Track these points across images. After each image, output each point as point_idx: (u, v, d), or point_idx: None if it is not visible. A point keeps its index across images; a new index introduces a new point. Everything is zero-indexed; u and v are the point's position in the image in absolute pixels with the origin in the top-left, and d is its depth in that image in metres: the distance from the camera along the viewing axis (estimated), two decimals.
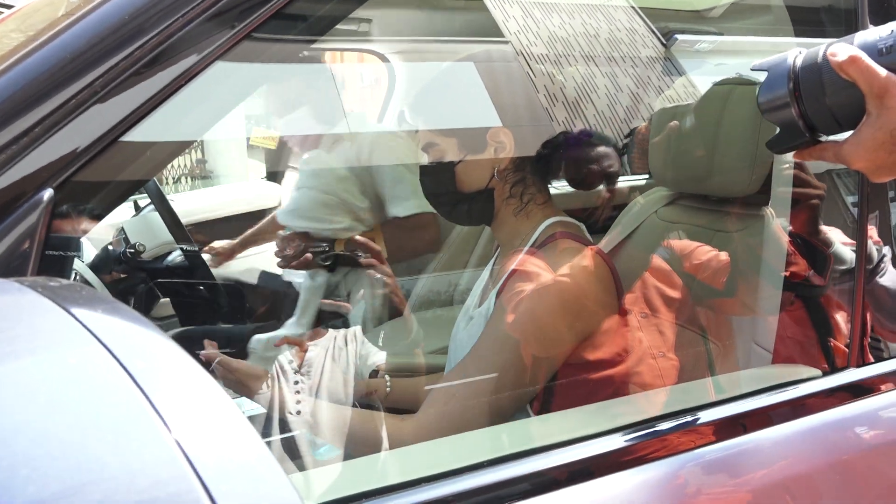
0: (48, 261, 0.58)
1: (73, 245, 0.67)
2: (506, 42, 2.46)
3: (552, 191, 1.32)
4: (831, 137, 0.91)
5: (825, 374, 1.03)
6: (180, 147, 0.81)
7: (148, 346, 0.35)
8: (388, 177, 1.93)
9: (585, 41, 2.66)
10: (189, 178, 4.89)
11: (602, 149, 1.32)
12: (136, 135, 0.69)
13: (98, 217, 0.69)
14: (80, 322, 0.34)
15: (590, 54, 2.66)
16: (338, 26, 0.95)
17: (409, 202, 1.91)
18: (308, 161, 2.00)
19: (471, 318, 1.30)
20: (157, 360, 0.34)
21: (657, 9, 2.79)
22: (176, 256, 1.88)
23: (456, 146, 1.30)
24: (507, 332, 1.14)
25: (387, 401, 1.45)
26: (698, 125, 1.41)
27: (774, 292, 1.22)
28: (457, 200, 1.31)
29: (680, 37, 2.73)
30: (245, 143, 4.92)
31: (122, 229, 1.86)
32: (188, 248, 1.80)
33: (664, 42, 2.73)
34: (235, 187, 3.62)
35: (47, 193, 0.59)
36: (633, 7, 2.77)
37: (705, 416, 0.89)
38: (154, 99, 0.69)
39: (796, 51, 0.90)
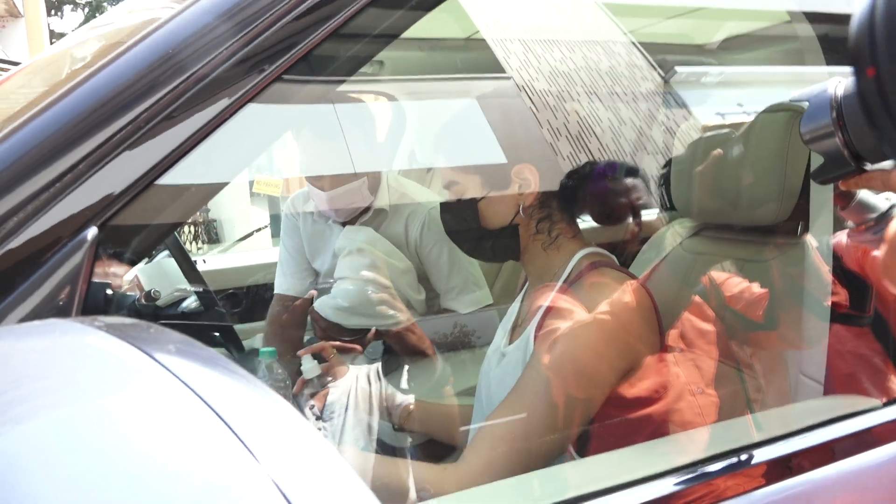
0: (92, 301, 0.56)
1: (115, 286, 0.65)
2: (508, 78, 2.49)
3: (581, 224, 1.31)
4: (878, 166, 0.89)
5: (886, 404, 0.99)
6: (214, 189, 0.80)
7: (227, 383, 0.33)
8: (445, 266, 1.86)
9: (587, 75, 2.69)
10: (192, 226, 4.91)
11: (630, 181, 1.31)
12: (171, 178, 0.68)
13: (136, 260, 0.68)
14: (160, 363, 0.32)
15: (592, 88, 2.69)
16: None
17: (467, 296, 1.86)
18: (352, 247, 1.82)
19: (503, 356, 1.27)
20: (237, 395, 0.32)
21: (657, 43, 2.82)
22: (191, 302, 1.86)
23: (479, 183, 1.30)
24: (549, 371, 1.10)
25: (407, 422, 1.41)
26: (728, 154, 1.40)
27: (819, 322, 1.19)
28: (480, 237, 1.30)
29: (679, 69, 2.76)
30: (248, 190, 4.94)
31: (136, 276, 1.84)
32: (203, 294, 1.77)
33: (663, 75, 2.76)
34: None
35: (91, 232, 0.58)
36: (632, 42, 2.80)
37: (758, 456, 0.85)
38: (190, 141, 0.69)
39: (836, 80, 0.90)
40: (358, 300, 1.72)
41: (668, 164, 1.62)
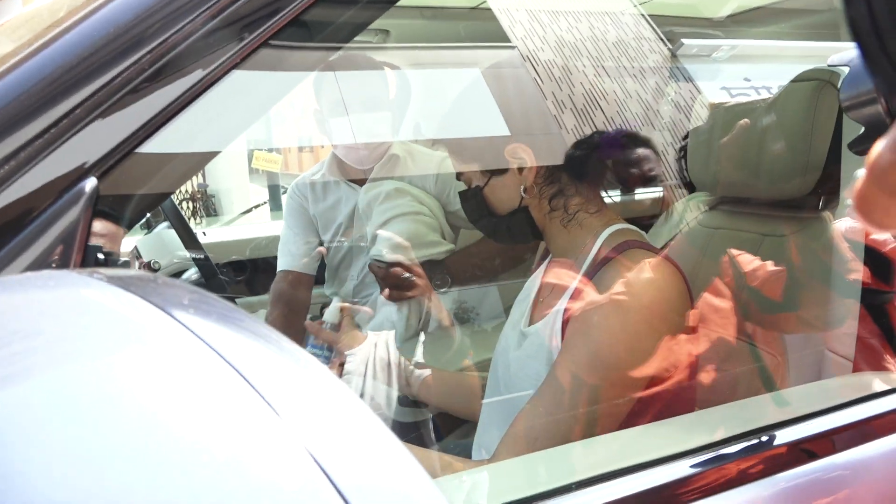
0: (90, 262, 0.52)
1: (114, 249, 0.61)
2: (512, 47, 2.44)
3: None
4: None
5: None
6: (210, 155, 0.76)
7: (253, 342, 0.29)
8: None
9: (593, 45, 2.64)
10: (191, 201, 4.86)
11: (642, 150, 1.26)
12: (168, 137, 0.64)
13: (136, 220, 0.64)
14: (173, 316, 0.28)
15: (597, 58, 2.64)
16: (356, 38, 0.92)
17: None
18: (387, 189, 1.89)
19: (523, 336, 1.23)
20: (266, 356, 0.28)
21: (665, 15, 2.77)
22: (192, 274, 1.82)
23: (478, 171, 1.27)
24: (584, 363, 1.06)
25: (423, 392, 1.39)
26: (752, 124, 1.35)
27: (845, 300, 1.15)
28: (496, 223, 1.27)
29: (686, 41, 2.71)
30: (247, 166, 4.89)
31: (136, 248, 1.81)
32: (204, 263, 1.73)
33: (671, 48, 2.71)
34: None
35: (90, 183, 0.54)
36: (640, 13, 2.75)
37: (782, 437, 0.80)
38: (182, 100, 0.64)
39: None
40: (414, 232, 1.78)
41: (687, 137, 1.58)
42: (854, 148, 0.90)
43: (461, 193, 1.34)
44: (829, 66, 0.96)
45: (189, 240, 1.72)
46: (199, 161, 0.72)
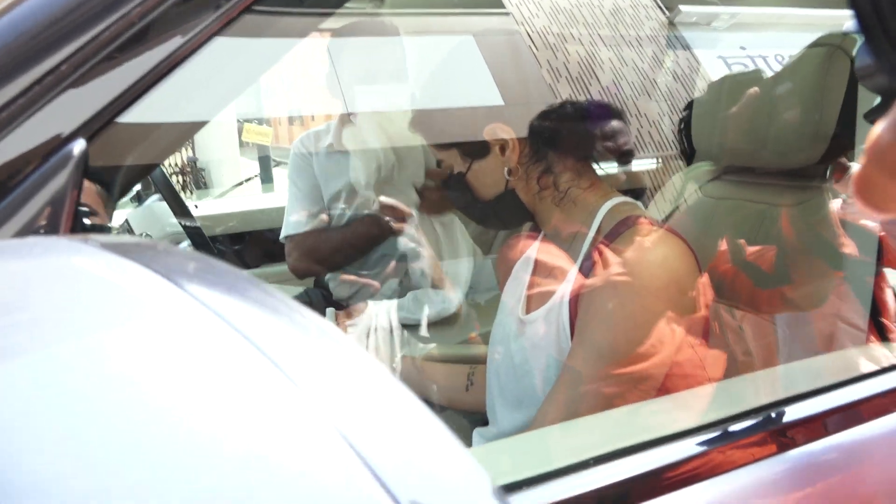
0: (81, 230, 0.49)
1: (103, 221, 0.58)
2: (506, 13, 2.39)
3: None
4: None
5: None
6: (191, 129, 0.72)
7: (274, 315, 0.26)
8: None
9: (588, 10, 2.59)
10: (181, 175, 4.79)
11: (619, 122, 1.21)
12: (157, 102, 0.61)
13: (127, 188, 0.61)
14: (179, 286, 0.25)
15: (593, 26, 2.59)
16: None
17: None
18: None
19: (523, 324, 1.17)
20: (289, 330, 0.25)
21: None
22: (185, 246, 1.78)
23: (458, 157, 1.21)
24: (609, 347, 1.01)
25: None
26: (761, 92, 1.31)
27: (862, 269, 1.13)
28: (484, 209, 1.22)
29: (683, 8, 2.66)
30: (237, 139, 4.82)
31: (126, 221, 1.77)
32: (197, 236, 1.69)
33: (668, 14, 2.67)
34: None
35: (79, 145, 0.50)
36: None
37: (789, 413, 0.77)
38: (166, 63, 0.61)
39: None
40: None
41: (689, 106, 1.54)
42: (870, 118, 0.87)
43: (446, 183, 1.27)
44: (843, 32, 0.92)
45: (181, 212, 1.68)
46: (187, 131, 0.68)
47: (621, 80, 2.48)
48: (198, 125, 0.70)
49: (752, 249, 1.22)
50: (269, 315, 0.26)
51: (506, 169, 1.15)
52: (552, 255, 1.18)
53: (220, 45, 0.62)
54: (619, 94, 2.42)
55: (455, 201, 1.28)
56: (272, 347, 0.23)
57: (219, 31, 0.61)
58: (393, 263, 1.68)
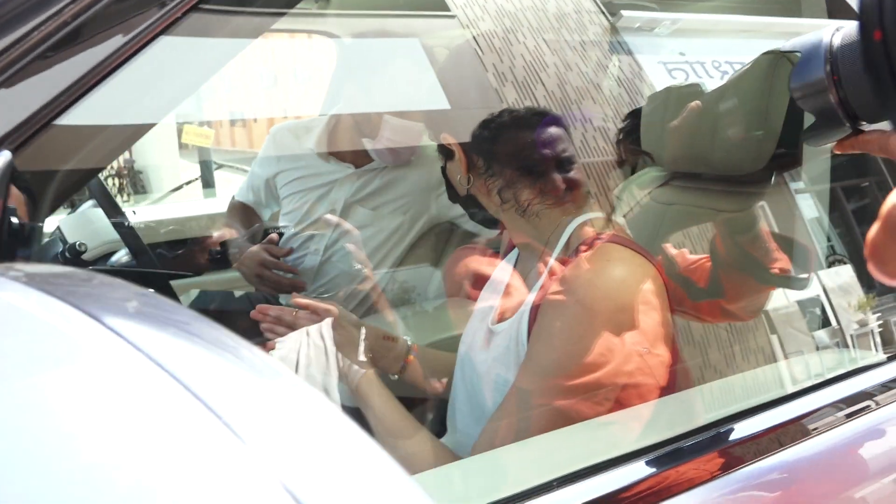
0: (10, 247, 0.45)
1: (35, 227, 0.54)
2: (452, 16, 2.39)
3: None
4: (876, 126, 0.82)
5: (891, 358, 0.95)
6: (137, 132, 0.69)
7: (216, 361, 0.24)
8: None
9: (533, 13, 2.61)
10: (117, 178, 4.64)
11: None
12: (75, 118, 0.57)
13: (59, 202, 0.57)
14: (112, 329, 0.22)
15: (538, 29, 2.61)
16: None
17: None
18: None
19: (492, 334, 1.17)
20: (230, 379, 0.23)
21: None
22: (122, 256, 1.71)
23: (436, 152, 1.24)
24: (552, 367, 1.01)
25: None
26: (710, 100, 1.32)
27: (805, 268, 1.15)
28: (460, 203, 1.24)
29: (626, 13, 2.70)
30: (176, 140, 4.69)
31: (58, 228, 1.69)
32: (134, 244, 1.63)
33: (610, 19, 2.70)
34: None
35: (3, 156, 0.47)
36: None
37: (772, 417, 0.77)
38: (100, 69, 0.57)
39: (832, 28, 0.82)
40: None
41: (630, 116, 1.55)
42: (807, 140, 0.88)
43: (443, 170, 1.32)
44: (782, 51, 0.94)
45: (117, 218, 1.61)
46: (133, 133, 0.65)
47: (566, 85, 2.50)
48: (145, 128, 0.66)
49: (691, 259, 1.24)
50: (209, 356, 0.24)
51: (459, 177, 1.15)
52: (525, 266, 1.17)
53: (167, 45, 0.59)
54: (565, 99, 2.44)
55: (446, 187, 1.30)
56: (210, 395, 0.21)
57: (164, 31, 0.58)
58: (343, 289, 1.66)
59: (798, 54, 0.83)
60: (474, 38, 2.19)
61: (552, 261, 1.10)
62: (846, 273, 1.59)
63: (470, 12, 2.33)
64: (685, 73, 2.65)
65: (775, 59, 1.15)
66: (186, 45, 0.63)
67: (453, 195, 1.26)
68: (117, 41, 0.57)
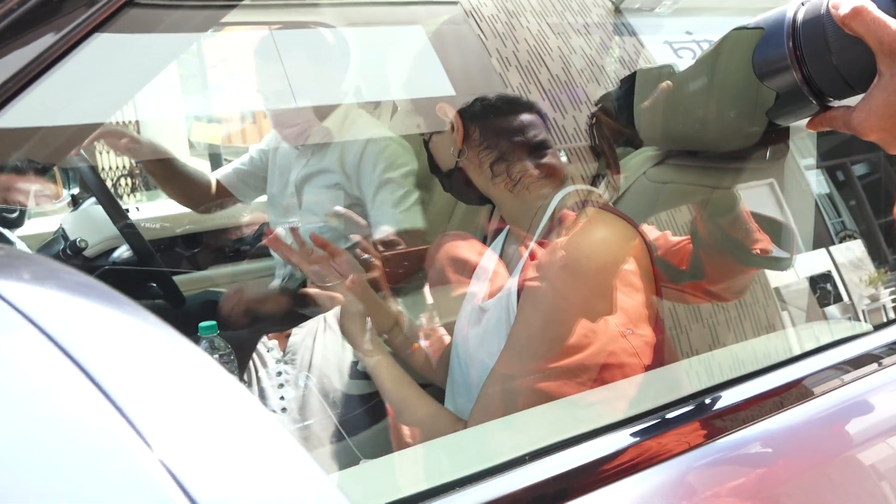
0: None
1: None
2: (455, 2, 2.37)
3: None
4: (843, 102, 0.79)
5: (878, 328, 0.93)
6: (82, 131, 0.68)
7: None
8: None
9: None
10: (129, 177, 4.67)
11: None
12: (9, 119, 0.56)
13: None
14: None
15: (541, 13, 2.59)
16: None
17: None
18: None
19: (482, 311, 1.17)
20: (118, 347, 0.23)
21: None
22: (123, 252, 1.72)
23: (425, 121, 1.23)
24: (542, 325, 1.01)
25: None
26: (692, 80, 1.30)
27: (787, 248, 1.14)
28: (443, 180, 1.23)
29: None
30: (186, 139, 4.71)
31: (60, 227, 1.70)
32: (135, 240, 1.63)
33: (614, 1, 2.67)
34: None
35: None
36: None
37: (725, 398, 0.76)
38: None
39: (797, 2, 0.78)
40: None
41: (601, 100, 1.54)
42: (774, 116, 0.86)
43: (425, 141, 1.30)
44: (747, 27, 0.91)
45: (117, 215, 1.62)
46: (76, 133, 0.64)
47: (570, 68, 2.48)
48: (90, 127, 0.65)
49: (674, 241, 1.23)
50: (109, 332, 0.23)
51: (452, 149, 1.15)
52: (514, 245, 1.18)
53: (103, 42, 0.58)
54: (569, 82, 2.42)
55: (429, 166, 1.29)
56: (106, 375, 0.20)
57: (98, 28, 0.57)
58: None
59: (762, 30, 0.81)
60: (477, 23, 2.18)
61: (539, 230, 1.10)
62: (857, 248, 1.57)
63: None
64: (692, 52, 2.62)
65: (760, 33, 1.12)
66: (125, 41, 0.62)
67: (436, 169, 1.25)
68: (47, 40, 0.56)
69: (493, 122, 1.21)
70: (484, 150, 1.18)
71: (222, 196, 2.05)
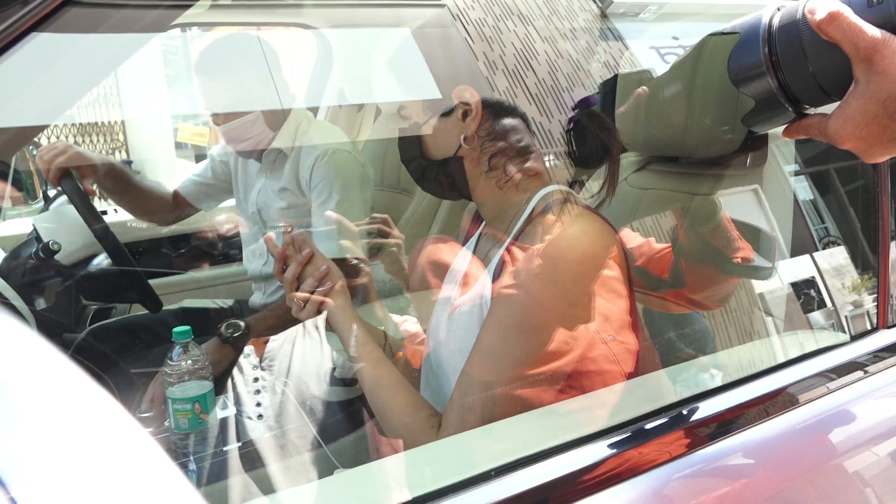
0: None
1: None
2: (442, 6, 2.36)
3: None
4: (819, 109, 0.78)
5: (854, 338, 0.92)
6: (26, 131, 0.65)
7: None
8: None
9: (522, 1, 2.58)
10: None
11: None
12: None
13: None
14: None
15: (528, 17, 2.58)
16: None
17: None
18: None
19: (456, 313, 1.16)
20: None
21: None
22: (102, 260, 1.68)
23: (420, 107, 1.20)
24: (514, 323, 1.00)
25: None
26: (671, 84, 1.29)
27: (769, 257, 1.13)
28: (424, 167, 1.20)
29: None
30: (172, 140, 4.67)
31: (34, 227, 1.66)
32: (110, 244, 1.60)
33: (600, 5, 2.67)
34: None
35: None
36: None
37: (709, 406, 0.75)
38: None
39: (773, 8, 0.77)
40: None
41: (579, 104, 1.54)
42: (749, 124, 0.85)
43: (401, 130, 1.25)
44: (722, 32, 0.90)
45: (91, 218, 1.58)
46: (17, 136, 0.62)
47: (556, 72, 2.47)
48: (34, 128, 0.63)
49: (657, 248, 1.22)
50: None
51: (462, 136, 1.14)
52: (487, 245, 1.17)
53: (42, 42, 0.56)
54: (555, 86, 2.41)
55: (403, 151, 1.24)
56: None
57: (35, 27, 0.55)
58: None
59: (737, 35, 0.80)
60: (464, 26, 2.17)
61: (516, 228, 1.10)
62: (840, 254, 1.57)
63: (460, 1, 2.31)
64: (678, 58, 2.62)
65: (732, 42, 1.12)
66: (67, 41, 0.60)
67: (419, 157, 1.20)
68: None
69: (504, 117, 1.20)
70: (489, 141, 1.17)
71: (182, 207, 2.03)
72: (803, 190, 1.73)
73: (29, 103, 0.59)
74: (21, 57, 0.54)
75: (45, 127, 0.63)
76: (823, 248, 1.64)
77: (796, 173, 1.72)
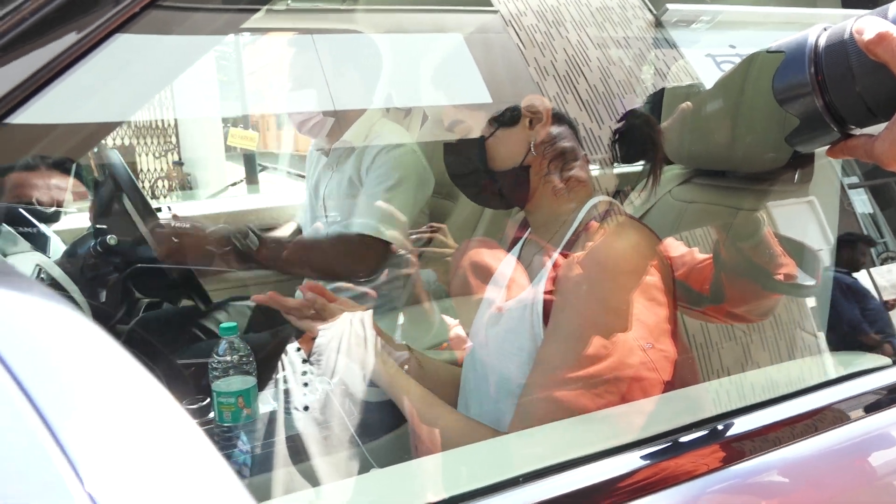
0: None
1: None
2: (495, 11, 2.37)
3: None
4: (866, 130, 0.77)
5: None
6: (101, 129, 0.68)
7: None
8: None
9: (576, 8, 2.57)
10: (166, 180, 4.76)
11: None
12: (29, 116, 0.56)
13: None
14: None
15: (581, 24, 2.57)
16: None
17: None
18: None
19: (500, 316, 1.16)
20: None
21: None
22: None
23: (485, 120, 1.20)
24: (580, 332, 1.00)
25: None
26: (717, 100, 1.28)
27: (822, 269, 1.11)
28: (488, 181, 1.20)
29: (671, 6, 2.65)
30: (222, 143, 4.79)
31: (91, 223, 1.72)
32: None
33: (655, 13, 2.65)
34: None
35: None
36: None
37: (741, 424, 0.73)
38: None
39: (819, 28, 0.76)
40: None
41: (626, 116, 1.53)
42: (793, 143, 0.83)
43: (449, 145, 1.25)
44: (768, 52, 0.89)
45: (146, 214, 1.64)
46: (95, 132, 0.64)
47: (608, 79, 2.46)
48: (108, 126, 0.65)
49: (699, 258, 1.20)
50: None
51: (531, 143, 1.15)
52: (532, 250, 1.17)
53: (124, 43, 0.58)
54: (607, 93, 2.40)
55: (458, 167, 1.24)
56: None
57: (120, 28, 0.57)
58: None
59: (783, 53, 0.79)
60: (516, 32, 2.17)
61: (567, 236, 1.10)
62: None
63: (512, 7, 2.31)
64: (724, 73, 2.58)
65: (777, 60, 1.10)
66: (146, 42, 0.62)
67: (475, 168, 1.20)
68: (69, 39, 0.56)
69: (561, 124, 1.22)
70: (550, 147, 1.18)
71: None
72: (861, 203, 1.69)
73: (104, 103, 0.62)
74: (103, 58, 0.57)
75: (116, 126, 0.66)
76: (882, 264, 1.59)
77: (853, 186, 1.67)
